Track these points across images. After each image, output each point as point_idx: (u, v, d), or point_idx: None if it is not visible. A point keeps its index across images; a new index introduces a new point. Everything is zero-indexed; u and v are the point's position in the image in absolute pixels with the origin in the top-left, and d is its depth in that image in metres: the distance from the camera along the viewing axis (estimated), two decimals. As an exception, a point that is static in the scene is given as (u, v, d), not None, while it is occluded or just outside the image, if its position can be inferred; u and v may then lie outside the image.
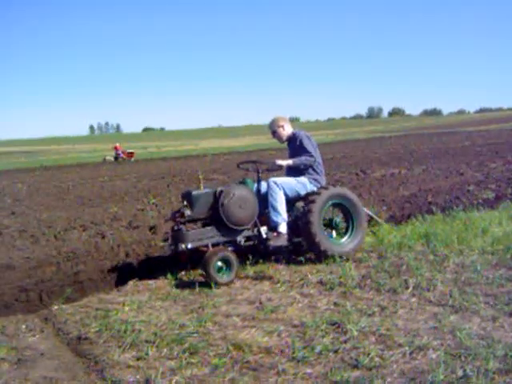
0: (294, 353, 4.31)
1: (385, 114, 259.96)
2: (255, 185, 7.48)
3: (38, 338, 5.30)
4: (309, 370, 4.04)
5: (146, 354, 4.54)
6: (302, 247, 7.46)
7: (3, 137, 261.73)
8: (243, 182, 7.45)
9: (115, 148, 48.47)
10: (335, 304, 5.43)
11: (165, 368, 4.24)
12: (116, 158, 46.74)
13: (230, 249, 6.76)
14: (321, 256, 7.00)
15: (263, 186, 7.42)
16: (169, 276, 6.93)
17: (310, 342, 4.49)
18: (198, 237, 6.71)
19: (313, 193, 7.22)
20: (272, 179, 7.27)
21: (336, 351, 4.30)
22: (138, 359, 4.50)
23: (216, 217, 6.79)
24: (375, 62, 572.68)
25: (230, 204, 6.73)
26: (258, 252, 7.35)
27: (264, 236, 7.07)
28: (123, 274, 7.22)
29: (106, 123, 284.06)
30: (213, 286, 6.33)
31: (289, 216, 7.35)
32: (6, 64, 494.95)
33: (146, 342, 4.80)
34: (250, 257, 7.23)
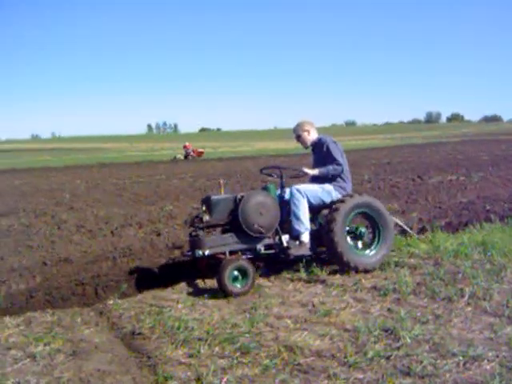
0: (345, 357, 4.30)
1: (443, 119, 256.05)
2: (278, 191, 7.27)
3: (93, 332, 5.41)
4: (360, 376, 4.02)
5: (198, 352, 4.59)
6: (326, 257, 7.25)
7: (64, 133, 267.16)
8: (266, 188, 7.19)
9: (185, 146, 49.31)
10: (389, 310, 5.38)
11: (216, 366, 4.28)
12: (186, 157, 47.54)
13: (245, 257, 6.60)
14: (343, 267, 6.78)
15: (287, 192, 7.20)
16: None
17: (362, 348, 4.46)
18: (216, 243, 6.54)
19: (337, 201, 6.96)
20: (295, 186, 7.05)
21: (388, 358, 4.26)
22: (189, 356, 4.55)
23: (235, 223, 6.60)
24: (435, 66, 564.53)
25: (249, 210, 6.54)
26: (278, 260, 7.18)
27: (285, 244, 6.85)
28: (178, 271, 7.29)
29: (164, 123, 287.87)
30: (266, 287, 6.35)
31: (313, 225, 7.18)
32: (67, 63, 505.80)
33: (199, 339, 4.86)
34: (304, 260, 7.21)
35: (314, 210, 7.22)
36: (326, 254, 7.20)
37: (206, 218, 6.54)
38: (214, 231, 7.32)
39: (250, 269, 6.27)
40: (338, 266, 6.88)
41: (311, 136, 7.54)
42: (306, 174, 7.33)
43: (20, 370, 4.54)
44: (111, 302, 6.29)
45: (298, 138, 7.60)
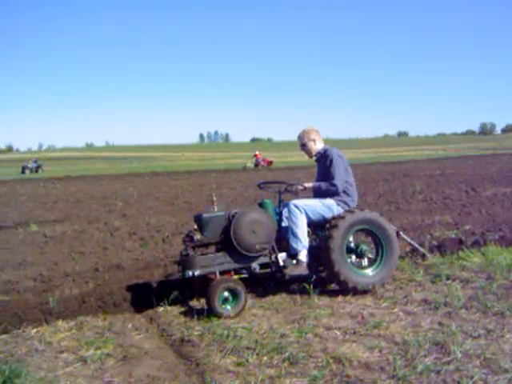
0: (394, 370, 4.25)
1: (498, 130, 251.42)
2: (276, 207, 6.97)
3: (143, 337, 5.50)
4: (409, 389, 3.97)
5: (247, 361, 4.60)
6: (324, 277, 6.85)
7: (117, 142, 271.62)
8: (262, 204, 6.86)
9: (255, 156, 50.26)
10: (439, 324, 5.29)
11: (264, 376, 4.29)
12: (256, 165, 48.30)
13: (236, 277, 6.30)
14: (342, 287, 6.47)
15: (285, 208, 6.85)
16: (271, 285, 6.99)
17: (412, 361, 4.40)
18: (207, 263, 6.23)
19: (337, 217, 6.58)
20: (293, 202, 6.71)
21: (438, 372, 4.19)
22: (238, 365, 4.57)
23: (228, 242, 6.28)
24: (491, 76, 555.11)
25: (242, 228, 6.23)
26: (276, 280, 6.94)
27: (281, 264, 6.51)
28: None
29: (216, 132, 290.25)
30: (315, 297, 6.34)
31: (312, 242, 6.80)
32: (121, 72, 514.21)
33: (247, 348, 4.87)
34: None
35: (315, 226, 6.86)
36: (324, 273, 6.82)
37: (197, 236, 6.25)
38: (207, 250, 6.81)
39: (241, 290, 6.02)
40: (338, 286, 6.58)
41: (317, 146, 7.20)
42: (304, 188, 6.94)
43: (71, 373, 4.64)
44: (161, 308, 6.37)
45: (303, 146, 7.24)
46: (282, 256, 6.57)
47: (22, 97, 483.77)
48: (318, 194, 6.92)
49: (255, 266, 6.44)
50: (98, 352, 5.05)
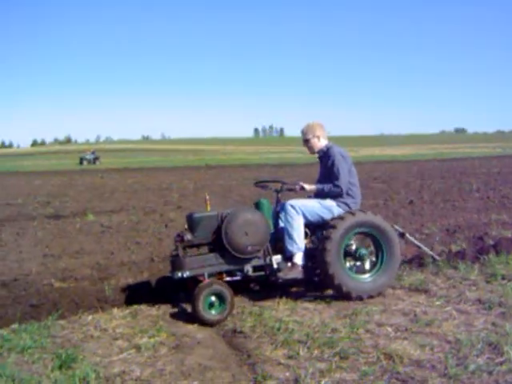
0: (446, 369, 4.20)
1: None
2: (273, 207, 6.76)
3: (196, 327, 5.60)
4: (460, 388, 3.94)
5: (297, 354, 4.62)
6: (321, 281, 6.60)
7: (173, 135, 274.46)
8: (258, 204, 6.60)
9: None
10: (493, 324, 5.19)
11: (315, 369, 4.30)
12: None
13: (224, 281, 6.06)
14: (335, 291, 6.23)
15: (282, 208, 6.61)
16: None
17: (464, 360, 4.35)
18: (197, 264, 6.01)
19: (336, 218, 6.31)
20: (289, 202, 6.43)
21: (490, 372, 4.13)
22: (288, 357, 4.60)
23: (220, 243, 6.04)
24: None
25: (234, 229, 5.99)
26: (269, 283, 6.69)
27: (275, 266, 6.26)
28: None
29: (271, 126, 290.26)
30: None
31: (311, 244, 6.58)
32: (179, 68, 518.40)
33: (298, 341, 4.89)
34: (407, 267, 7.12)
35: (314, 228, 6.60)
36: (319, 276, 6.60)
37: (188, 236, 6.04)
38: (198, 251, 6.59)
39: (228, 293, 5.76)
40: (332, 290, 6.35)
41: (321, 142, 6.85)
42: (303, 189, 6.65)
43: (125, 360, 4.75)
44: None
45: (306, 142, 6.90)
46: (276, 258, 6.31)
47: (81, 89, 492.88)
48: (321, 195, 6.61)
49: (248, 268, 6.20)
50: (152, 340, 5.17)
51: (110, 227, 12.19)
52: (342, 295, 6.12)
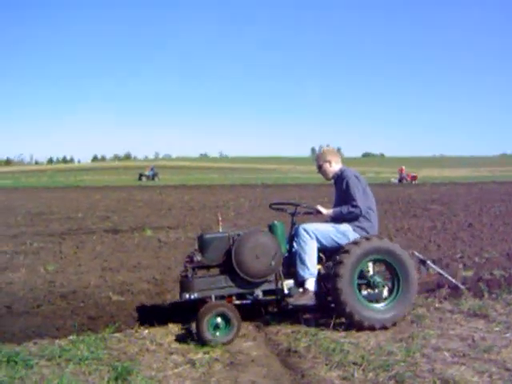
0: (505, 397, 4.11)
1: None
2: (288, 230, 6.51)
3: (250, 345, 5.60)
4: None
5: (352, 376, 4.58)
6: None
7: (230, 153, 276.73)
8: (272, 226, 6.36)
9: (400, 170, 50.63)
10: (556, 353, 5.05)
11: (369, 392, 4.26)
12: (400, 180, 48.69)
13: (230, 303, 5.91)
14: (348, 319, 5.94)
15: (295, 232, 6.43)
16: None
17: (524, 389, 4.24)
18: (206, 286, 5.89)
19: (351, 242, 6.09)
20: (303, 225, 6.29)
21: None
22: (343, 379, 4.56)
23: (229, 265, 5.89)
24: None
25: (244, 252, 5.85)
26: (280, 308, 6.55)
27: (286, 291, 6.08)
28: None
29: (327, 146, 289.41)
30: (425, 317, 6.23)
31: (324, 270, 6.36)
32: (236, 86, 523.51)
33: (353, 363, 4.84)
34: (465, 291, 6.98)
35: (328, 253, 6.39)
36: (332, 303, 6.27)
37: (198, 257, 5.91)
38: (208, 272, 6.37)
39: (234, 316, 5.64)
40: (344, 319, 6.06)
41: (333, 167, 6.71)
42: (320, 212, 6.56)
43: (180, 375, 4.79)
44: (268, 317, 6.45)
45: (319, 168, 6.81)
46: (288, 283, 6.15)
47: (142, 107, 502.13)
48: (339, 219, 6.42)
49: (258, 292, 6.05)
50: (207, 356, 5.20)
51: (167, 243, 12.34)
52: (354, 324, 5.88)
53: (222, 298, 5.98)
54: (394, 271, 6.16)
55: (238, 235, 6.01)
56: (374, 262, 6.26)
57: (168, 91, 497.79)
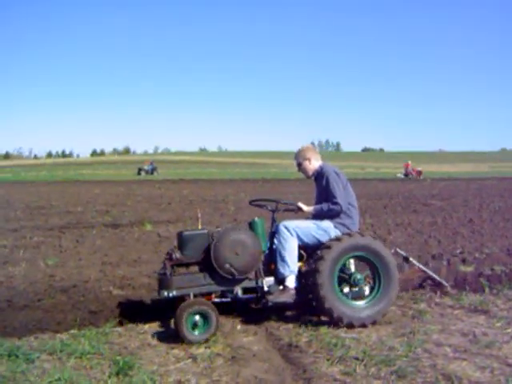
0: (506, 392, 4.11)
1: None
2: (268, 227, 6.47)
3: (251, 340, 5.59)
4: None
5: (354, 371, 4.58)
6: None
7: (229, 148, 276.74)
8: (252, 223, 6.33)
9: (405, 165, 50.85)
10: (558, 348, 5.05)
11: (371, 387, 4.25)
12: (406, 175, 48.89)
13: (208, 301, 5.86)
14: (327, 316, 5.89)
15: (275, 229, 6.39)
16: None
17: (526, 385, 4.23)
18: (185, 284, 5.82)
19: (332, 239, 6.04)
20: (283, 223, 6.25)
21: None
22: (345, 374, 4.56)
23: (209, 262, 5.84)
24: None
25: (222, 249, 5.79)
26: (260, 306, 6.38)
27: (266, 289, 6.02)
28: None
29: (327, 141, 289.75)
30: (426, 312, 6.25)
31: (306, 267, 6.26)
32: (232, 81, 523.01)
33: (355, 358, 4.85)
34: (467, 287, 6.97)
35: (309, 250, 6.31)
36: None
37: (176, 255, 5.86)
38: (187, 270, 6.31)
39: (213, 314, 5.57)
40: (323, 316, 6.02)
41: (313, 165, 6.66)
42: (301, 209, 6.55)
43: (181, 369, 4.80)
44: (269, 312, 6.41)
45: (299, 166, 6.77)
46: (268, 281, 6.09)
47: (141, 101, 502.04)
48: (320, 216, 6.40)
49: (238, 290, 6.05)
50: (208, 351, 5.21)
51: (166, 237, 12.31)
52: (333, 321, 5.81)
53: (201, 295, 5.93)
54: (375, 269, 6.10)
55: (217, 232, 5.99)
56: (356, 259, 6.21)
57: (167, 85, 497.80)
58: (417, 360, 4.81)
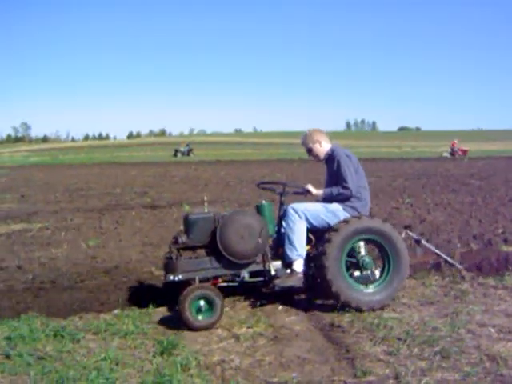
0: (553, 374, 4.06)
1: None
2: (276, 210, 6.37)
3: (293, 320, 5.63)
4: None
5: (397, 351, 4.57)
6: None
7: (265, 128, 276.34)
8: (259, 206, 6.22)
9: (452, 144, 50.69)
10: None
11: (415, 367, 4.24)
12: (452, 154, 48.70)
13: (219, 286, 5.87)
14: (335, 300, 5.78)
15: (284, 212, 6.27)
16: (418, 276, 6.88)
17: None
18: (190, 267, 5.76)
19: (340, 221, 5.89)
20: (291, 205, 6.11)
21: None
22: (388, 354, 4.56)
23: (214, 246, 5.77)
24: None
25: (228, 232, 5.71)
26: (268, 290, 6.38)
27: (273, 273, 5.91)
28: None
29: (362, 120, 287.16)
30: (469, 292, 6.19)
31: (314, 251, 6.17)
32: (272, 62, 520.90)
33: (398, 339, 4.84)
34: (510, 267, 6.88)
35: (318, 234, 6.19)
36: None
37: (182, 238, 5.77)
38: (193, 254, 6.19)
39: (217, 299, 5.49)
40: (331, 299, 5.90)
41: (323, 147, 6.49)
42: (309, 192, 6.41)
43: (224, 349, 4.86)
44: (310, 292, 6.44)
45: (310, 151, 6.58)
46: (275, 265, 5.98)
47: (177, 83, 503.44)
48: (329, 199, 6.23)
49: (245, 274, 5.95)
50: (251, 330, 5.27)
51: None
52: (341, 305, 5.72)
53: (207, 280, 5.90)
54: (384, 252, 5.96)
55: (224, 216, 5.90)
56: (365, 242, 6.05)
57: (201, 67, 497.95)
58: (460, 341, 4.77)
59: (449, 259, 6.99)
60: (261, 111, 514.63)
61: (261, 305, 6.07)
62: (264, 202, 6.27)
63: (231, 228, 5.73)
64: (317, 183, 6.95)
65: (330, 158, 6.37)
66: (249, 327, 5.36)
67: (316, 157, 6.57)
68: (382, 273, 5.97)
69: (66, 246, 9.39)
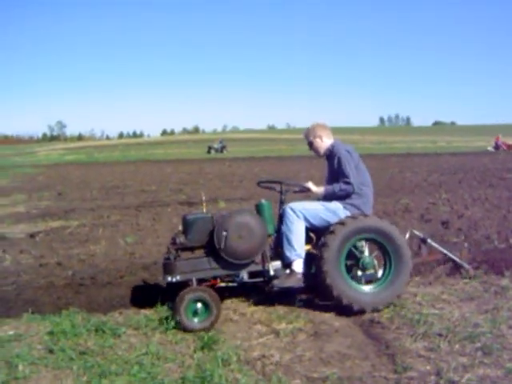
0: None
1: None
2: (276, 209, 6.23)
3: (333, 315, 5.63)
4: None
5: (438, 347, 4.56)
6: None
7: (298, 125, 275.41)
8: (258, 205, 6.10)
9: (496, 139, 50.38)
10: None
11: (457, 363, 4.23)
12: (496, 149, 48.33)
13: (218, 286, 5.87)
14: (336, 303, 5.65)
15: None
16: (463, 272, 6.76)
17: None
18: (189, 268, 5.71)
19: (337, 222, 5.74)
20: (289, 205, 6.00)
21: None
22: (429, 350, 4.55)
23: (212, 247, 5.68)
24: None
25: (226, 233, 5.63)
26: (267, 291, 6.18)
27: (272, 273, 5.81)
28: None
29: (396, 115, 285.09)
30: (510, 288, 6.11)
31: (315, 250, 6.04)
32: (307, 57, 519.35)
33: (439, 335, 4.82)
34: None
35: (319, 233, 6.07)
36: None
37: (180, 239, 5.72)
38: (192, 255, 6.09)
39: (213, 301, 5.42)
40: (334, 302, 5.75)
41: (325, 142, 6.38)
42: (310, 190, 6.27)
43: (264, 344, 4.89)
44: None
45: (310, 145, 6.49)
46: (275, 265, 5.88)
47: (209, 81, 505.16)
48: (331, 197, 6.10)
49: (243, 274, 5.89)
50: (290, 326, 5.28)
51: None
52: (343, 308, 5.62)
53: (205, 280, 5.89)
54: (385, 250, 5.82)
55: (222, 216, 5.87)
56: (365, 241, 5.91)
57: (234, 64, 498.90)
58: (502, 337, 4.74)
59: (455, 258, 6.85)
60: (294, 107, 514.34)
61: (300, 300, 6.08)
62: (263, 201, 6.16)
63: (229, 228, 5.65)
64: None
65: (331, 154, 6.27)
66: (288, 323, 5.37)
67: (316, 151, 6.49)
68: (383, 271, 5.87)
69: (104, 243, 9.50)
